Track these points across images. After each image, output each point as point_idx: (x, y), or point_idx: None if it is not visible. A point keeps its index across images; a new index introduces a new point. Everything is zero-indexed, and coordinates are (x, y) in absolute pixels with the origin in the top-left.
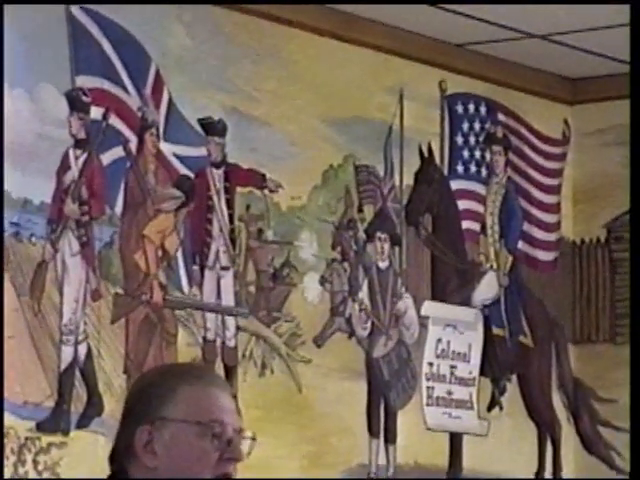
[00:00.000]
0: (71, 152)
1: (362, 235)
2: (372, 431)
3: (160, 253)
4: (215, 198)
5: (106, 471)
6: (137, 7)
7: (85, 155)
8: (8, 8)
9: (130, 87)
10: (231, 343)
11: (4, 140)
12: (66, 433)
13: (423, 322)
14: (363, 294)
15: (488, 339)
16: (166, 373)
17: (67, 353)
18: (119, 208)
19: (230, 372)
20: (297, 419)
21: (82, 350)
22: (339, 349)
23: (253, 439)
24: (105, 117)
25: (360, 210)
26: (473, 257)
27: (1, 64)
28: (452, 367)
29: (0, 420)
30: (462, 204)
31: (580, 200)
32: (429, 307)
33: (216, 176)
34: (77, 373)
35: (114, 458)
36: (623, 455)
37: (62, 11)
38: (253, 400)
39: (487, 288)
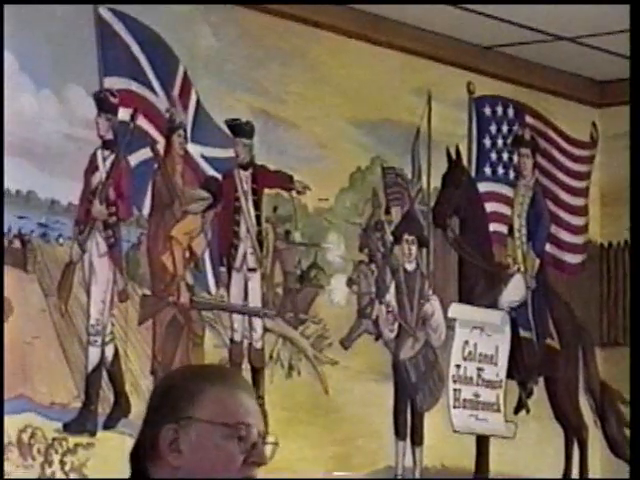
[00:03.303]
0: (99, 153)
1: (389, 237)
2: (399, 433)
3: (187, 254)
4: (242, 200)
5: None
6: (165, 8)
7: (113, 156)
8: (34, 8)
9: (158, 88)
10: (258, 345)
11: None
12: (93, 434)
13: (450, 324)
14: (390, 296)
15: (515, 342)
16: (193, 373)
17: (94, 354)
18: (146, 209)
19: (257, 374)
20: (324, 421)
21: (109, 351)
22: (366, 351)
23: (276, 444)
24: (133, 118)
25: (387, 212)
26: (500, 259)
27: (1, 63)
28: (479, 369)
29: (0, 420)
30: (489, 206)
31: (607, 203)
32: (456, 309)
33: (243, 178)
34: (104, 374)
35: (136, 456)
36: None
37: (90, 12)
38: (280, 402)
39: (514, 291)
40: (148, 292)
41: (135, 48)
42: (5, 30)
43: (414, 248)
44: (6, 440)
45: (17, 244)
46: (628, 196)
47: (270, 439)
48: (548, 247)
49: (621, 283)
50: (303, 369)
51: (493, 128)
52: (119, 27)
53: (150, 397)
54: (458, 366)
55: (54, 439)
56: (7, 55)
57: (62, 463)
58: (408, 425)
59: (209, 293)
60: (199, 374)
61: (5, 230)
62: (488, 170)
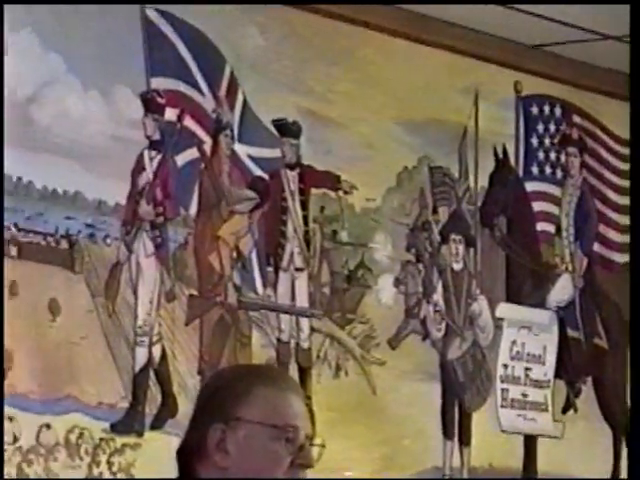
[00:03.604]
0: (146, 154)
1: (436, 237)
2: (446, 433)
3: (234, 254)
4: (289, 200)
5: None
6: (211, 9)
7: (160, 156)
8: (80, 8)
9: (205, 89)
10: (305, 345)
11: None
12: (140, 434)
13: (498, 324)
14: (437, 296)
15: (563, 341)
16: (241, 374)
17: (141, 354)
18: (193, 209)
19: (304, 374)
20: (371, 421)
21: (156, 351)
22: (413, 351)
23: (322, 446)
24: (180, 119)
25: (435, 212)
26: (548, 259)
27: (1, 64)
28: (527, 369)
29: (0, 421)
30: (537, 206)
31: None
32: (504, 309)
33: (290, 177)
34: (151, 374)
35: (183, 456)
36: None
37: (137, 13)
38: (327, 402)
39: (562, 290)
40: (195, 292)
41: (182, 48)
42: (51, 31)
43: (461, 248)
44: (53, 441)
45: (64, 245)
46: None
47: (317, 441)
48: (596, 246)
49: None
50: (350, 369)
51: (540, 127)
52: (166, 28)
53: (198, 397)
54: (506, 366)
55: (101, 439)
56: (54, 56)
57: (109, 463)
58: (456, 425)
59: (256, 293)
60: (247, 374)
61: (52, 231)
62: (535, 169)
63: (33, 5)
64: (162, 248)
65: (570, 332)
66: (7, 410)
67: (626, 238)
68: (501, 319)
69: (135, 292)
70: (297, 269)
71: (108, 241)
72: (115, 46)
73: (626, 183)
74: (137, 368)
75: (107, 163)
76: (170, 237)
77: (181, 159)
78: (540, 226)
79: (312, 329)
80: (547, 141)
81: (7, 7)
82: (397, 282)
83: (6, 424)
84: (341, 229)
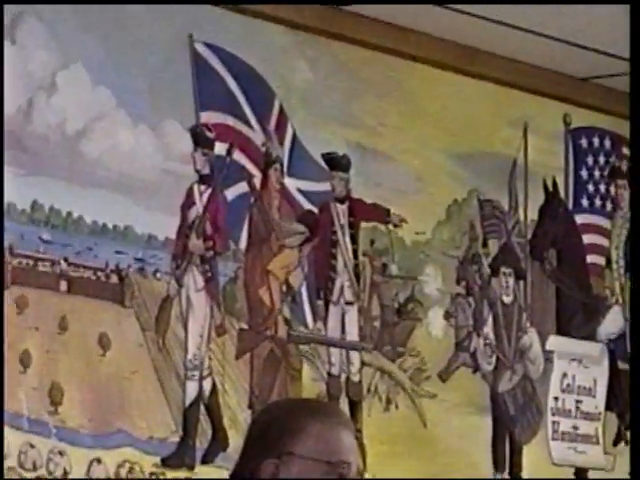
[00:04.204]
0: (195, 187)
1: (486, 270)
2: (497, 466)
3: (284, 288)
4: (339, 233)
5: None
6: (260, 42)
7: (209, 190)
8: (130, 42)
9: (254, 122)
10: (356, 378)
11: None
12: (191, 468)
13: (548, 357)
14: (488, 329)
15: (614, 373)
16: (294, 408)
17: (192, 388)
18: (243, 243)
19: (355, 407)
20: (422, 454)
21: (207, 385)
22: (464, 384)
23: None
24: (229, 153)
25: (484, 245)
26: (598, 291)
27: (1, 67)
28: (577, 402)
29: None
30: (587, 238)
31: None
32: (554, 341)
33: (340, 211)
34: (202, 408)
35: None
36: None
37: (186, 47)
38: (378, 435)
39: (612, 322)
40: (245, 326)
41: (231, 82)
42: (101, 65)
43: (511, 280)
44: (104, 475)
45: (115, 279)
46: None
47: (367, 475)
48: None
49: None
50: (401, 402)
51: (590, 159)
52: (215, 61)
53: (249, 431)
54: (556, 398)
55: (152, 473)
56: (104, 90)
57: None
58: (506, 458)
59: (306, 327)
60: (299, 409)
61: (102, 265)
62: (585, 202)
63: (83, 39)
64: (212, 282)
65: (621, 364)
66: (58, 445)
67: None
68: (551, 352)
69: (185, 326)
70: (347, 302)
71: (158, 275)
72: (164, 80)
73: None
74: (188, 402)
75: (157, 197)
76: (220, 271)
77: (231, 193)
78: (590, 258)
79: (362, 362)
80: (597, 173)
81: (56, 43)
82: (447, 315)
83: (57, 458)
84: (391, 262)
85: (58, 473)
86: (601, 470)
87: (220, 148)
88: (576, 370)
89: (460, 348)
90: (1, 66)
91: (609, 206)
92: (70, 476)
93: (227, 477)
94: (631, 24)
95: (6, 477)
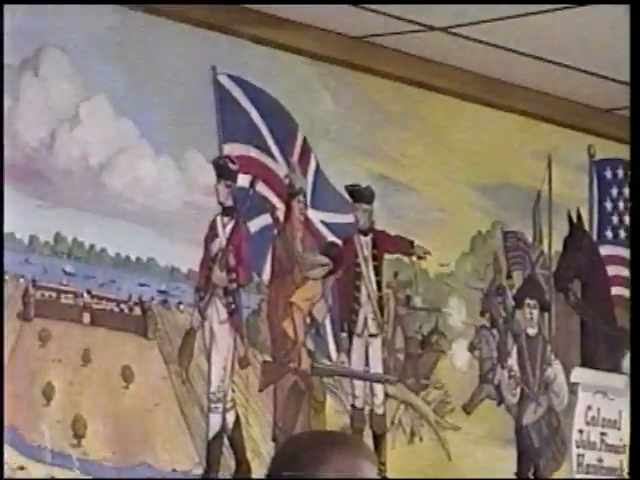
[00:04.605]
0: (218, 220)
1: (511, 301)
2: None
3: (308, 320)
4: (363, 265)
5: None
6: (283, 74)
7: (232, 222)
8: (154, 74)
9: (277, 154)
10: (380, 411)
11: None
12: None
13: (573, 389)
14: (512, 361)
15: None
16: (317, 440)
17: (215, 421)
18: (266, 275)
19: (379, 440)
20: None
21: (230, 418)
22: (488, 416)
23: None
24: (252, 185)
25: (509, 276)
26: (623, 323)
27: (1, 67)
28: (602, 434)
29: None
30: (611, 270)
31: None
32: (579, 374)
33: (364, 243)
34: (225, 441)
35: None
36: None
37: (209, 79)
38: (402, 468)
39: None
40: (269, 358)
41: (254, 114)
42: (123, 97)
43: (536, 312)
44: None
45: (138, 311)
46: None
47: None
48: None
49: None
50: (425, 435)
51: (614, 191)
52: (238, 93)
53: (272, 463)
54: (581, 431)
55: None
56: (127, 122)
57: None
58: None
59: (330, 359)
60: (323, 441)
61: (125, 297)
62: (609, 233)
63: (106, 70)
64: (235, 314)
65: None
66: (81, 478)
67: None
68: (576, 384)
69: (208, 358)
70: (371, 335)
71: (181, 307)
72: (187, 112)
73: None
74: (211, 434)
75: (180, 229)
76: (243, 303)
77: (254, 225)
78: (615, 290)
79: (386, 395)
80: (621, 205)
81: (79, 74)
82: (471, 347)
83: None
84: (415, 294)
85: None
86: None
87: (243, 180)
88: (601, 402)
89: (484, 380)
90: (1, 71)
91: None
92: None
93: None
94: (631, 24)
95: None
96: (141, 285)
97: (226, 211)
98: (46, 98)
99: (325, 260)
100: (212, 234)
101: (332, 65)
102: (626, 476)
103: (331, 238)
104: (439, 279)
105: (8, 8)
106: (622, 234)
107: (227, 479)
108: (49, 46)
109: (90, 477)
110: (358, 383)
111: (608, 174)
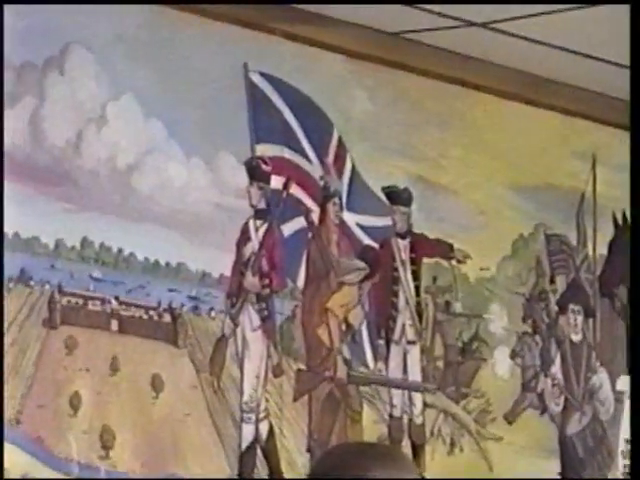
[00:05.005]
0: (251, 223)
1: (554, 307)
2: None
3: (344, 327)
4: (401, 269)
5: None
6: (317, 72)
7: (265, 226)
8: (184, 74)
9: (312, 155)
10: (418, 420)
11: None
12: None
13: (619, 397)
14: (556, 368)
15: None
16: (356, 452)
17: (248, 431)
18: (301, 281)
19: (418, 450)
20: None
21: (263, 428)
22: (531, 426)
23: None
24: (286, 186)
25: (552, 281)
26: None
27: (1, 70)
28: None
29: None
30: None
31: None
32: (625, 381)
33: (401, 247)
34: (258, 452)
35: None
36: None
37: (241, 77)
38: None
39: None
40: (303, 367)
41: (287, 114)
42: (152, 97)
43: (580, 318)
44: None
45: (167, 318)
46: None
47: None
48: None
49: None
50: (466, 445)
51: None
52: (270, 92)
53: (310, 475)
54: (628, 441)
55: None
56: (156, 122)
57: None
58: None
59: (367, 367)
60: (362, 453)
61: (155, 304)
62: None
63: (133, 69)
64: (269, 321)
65: None
66: None
67: None
68: (622, 392)
69: (241, 367)
70: (409, 342)
71: (213, 314)
72: (218, 112)
73: None
74: (244, 445)
75: (211, 233)
76: (277, 309)
77: (288, 228)
78: None
79: (425, 404)
80: None
81: (106, 73)
82: (513, 354)
83: None
84: (454, 300)
85: None
86: None
87: (276, 182)
88: None
89: (527, 389)
90: (1, 72)
91: None
92: None
93: None
94: (631, 24)
95: None
96: (171, 291)
97: (259, 214)
98: (72, 98)
99: (361, 264)
100: (244, 238)
101: (368, 62)
102: None
103: (367, 242)
104: (479, 284)
105: (31, 7)
106: None
107: None
108: (75, 45)
109: None
110: (396, 392)
111: None
